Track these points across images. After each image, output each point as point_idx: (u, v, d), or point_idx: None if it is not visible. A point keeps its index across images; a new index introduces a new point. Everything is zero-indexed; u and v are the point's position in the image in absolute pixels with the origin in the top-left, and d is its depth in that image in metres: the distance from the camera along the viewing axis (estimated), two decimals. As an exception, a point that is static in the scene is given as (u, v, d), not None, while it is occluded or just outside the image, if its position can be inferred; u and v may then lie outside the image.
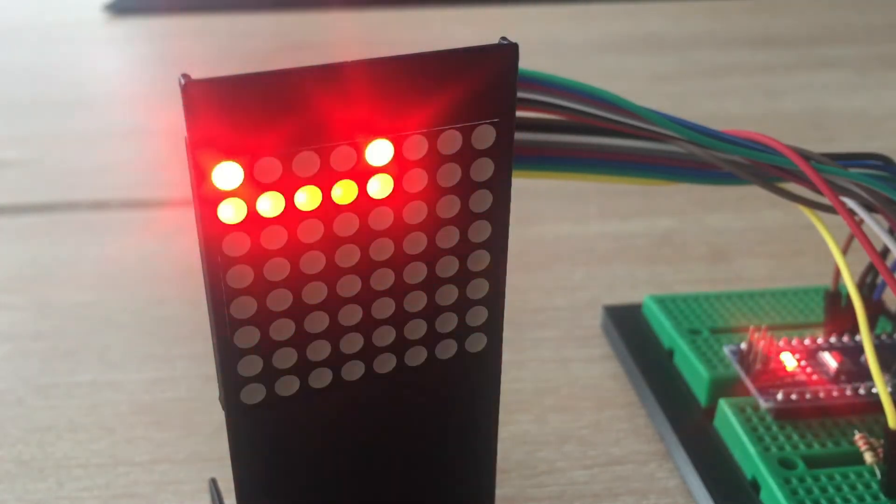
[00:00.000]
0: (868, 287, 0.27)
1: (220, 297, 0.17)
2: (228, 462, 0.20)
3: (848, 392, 0.26)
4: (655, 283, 0.36)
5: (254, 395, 0.19)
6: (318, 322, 0.18)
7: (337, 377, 0.19)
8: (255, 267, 0.17)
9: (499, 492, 0.24)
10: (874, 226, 0.23)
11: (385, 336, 0.19)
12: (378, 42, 0.61)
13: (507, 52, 0.17)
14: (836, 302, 0.29)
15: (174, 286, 0.35)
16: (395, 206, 0.18)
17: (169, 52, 0.63)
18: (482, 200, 0.18)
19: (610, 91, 0.20)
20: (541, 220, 0.40)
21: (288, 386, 0.19)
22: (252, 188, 0.16)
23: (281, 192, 0.17)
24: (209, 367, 0.19)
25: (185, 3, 0.68)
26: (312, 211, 0.17)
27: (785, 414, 0.26)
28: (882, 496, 0.24)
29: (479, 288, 0.19)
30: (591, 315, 0.33)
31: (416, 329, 0.19)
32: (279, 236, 0.17)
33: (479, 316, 0.20)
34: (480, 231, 0.19)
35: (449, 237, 0.19)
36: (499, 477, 0.23)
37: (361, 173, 0.17)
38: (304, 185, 0.17)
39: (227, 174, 0.16)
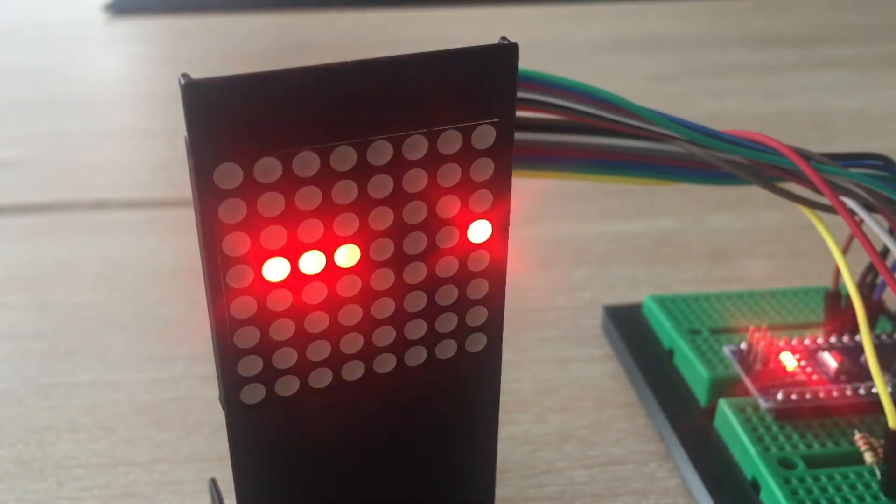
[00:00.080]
0: (868, 287, 0.28)
1: (220, 298, 0.17)
2: (228, 462, 0.20)
3: (848, 392, 0.26)
4: (655, 283, 0.36)
5: (254, 395, 0.19)
6: (318, 322, 0.18)
7: (337, 377, 0.19)
8: (255, 267, 0.17)
9: (499, 492, 0.24)
10: (874, 226, 0.23)
11: (385, 336, 0.19)
12: (378, 42, 0.61)
13: (507, 52, 0.17)
14: (836, 302, 0.29)
15: (174, 286, 0.35)
16: (396, 205, 0.18)
17: (169, 52, 0.63)
18: (482, 200, 0.18)
19: (610, 91, 0.20)
20: (541, 220, 0.40)
21: (288, 386, 0.19)
22: (252, 188, 0.16)
23: (281, 193, 0.17)
24: (209, 367, 0.19)
25: (185, 3, 0.68)
26: (312, 211, 0.17)
27: (785, 414, 0.26)
28: (882, 496, 0.24)
29: (479, 288, 0.19)
30: (591, 315, 0.33)
31: (416, 329, 0.19)
32: (279, 236, 0.17)
33: (479, 316, 0.20)
34: (480, 232, 0.19)
35: (449, 237, 0.19)
36: (499, 477, 0.23)
37: (362, 173, 0.17)
38: (304, 186, 0.17)
39: (227, 174, 0.16)
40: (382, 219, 0.18)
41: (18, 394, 0.30)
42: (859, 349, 0.28)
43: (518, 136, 0.19)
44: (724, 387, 0.28)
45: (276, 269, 0.17)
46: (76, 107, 0.53)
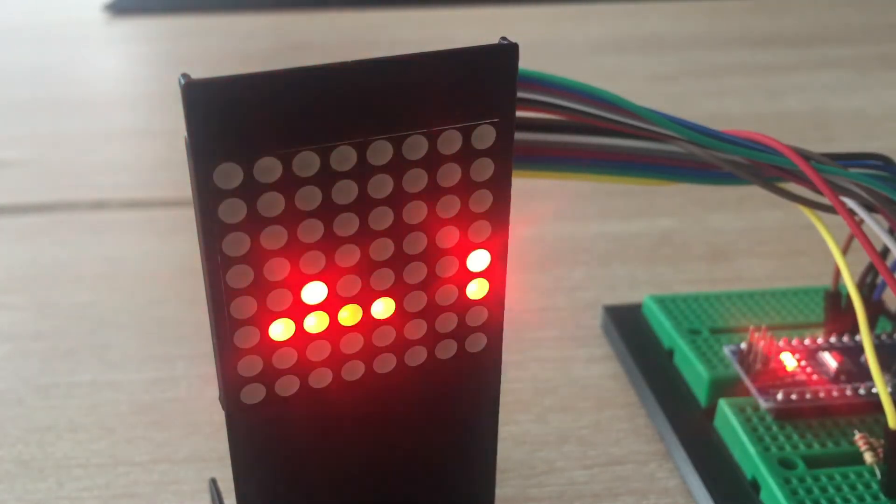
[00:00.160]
0: (868, 287, 0.27)
1: (220, 297, 0.17)
2: (228, 462, 0.20)
3: (848, 392, 0.26)
4: (655, 283, 0.36)
5: (254, 395, 0.19)
6: (318, 322, 0.18)
7: (337, 377, 0.19)
8: (255, 267, 0.17)
9: (499, 492, 0.24)
10: (874, 226, 0.23)
11: (385, 336, 0.19)
12: (378, 42, 0.61)
13: (507, 52, 0.17)
14: (836, 302, 0.29)
15: (174, 286, 0.35)
16: (395, 206, 0.18)
17: (169, 52, 0.63)
18: (482, 200, 0.18)
19: (610, 91, 0.20)
20: (541, 220, 0.40)
21: (288, 386, 0.19)
22: (252, 188, 0.16)
23: (281, 193, 0.17)
24: (209, 367, 0.19)
25: (185, 3, 0.68)
26: (312, 211, 0.17)
27: (785, 414, 0.26)
28: (882, 496, 0.24)
29: (479, 288, 0.19)
30: (591, 315, 0.33)
31: (416, 329, 0.19)
32: (279, 236, 0.17)
33: (479, 316, 0.20)
34: (480, 231, 0.19)
35: (449, 237, 0.19)
36: (499, 477, 0.23)
37: (362, 173, 0.17)
38: (304, 186, 0.17)
39: (227, 174, 0.16)
40: (382, 219, 0.18)
41: (18, 394, 0.30)
42: (859, 349, 0.28)
43: (518, 136, 0.19)
44: (724, 387, 0.28)
45: (276, 269, 0.17)
46: (76, 107, 0.53)
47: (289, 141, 0.16)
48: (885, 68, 0.58)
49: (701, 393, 0.28)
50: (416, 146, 0.17)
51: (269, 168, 0.16)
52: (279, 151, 0.16)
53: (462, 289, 0.19)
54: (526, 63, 0.18)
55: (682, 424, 0.27)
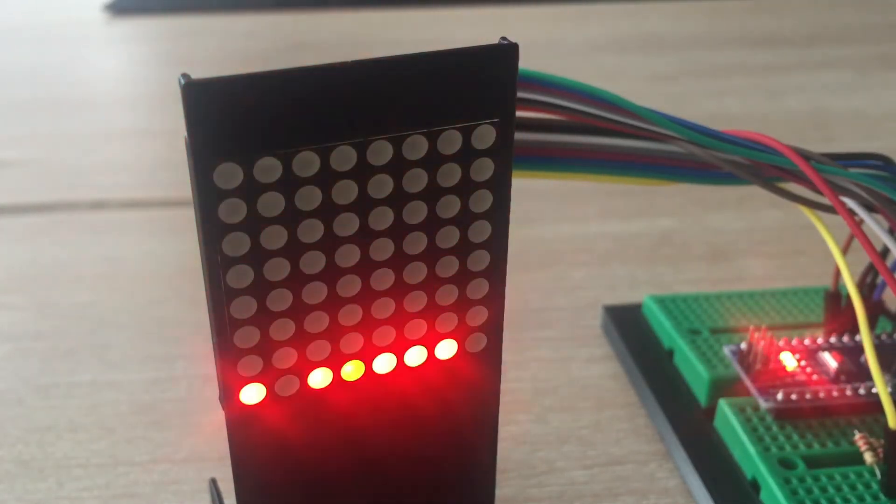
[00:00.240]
0: (868, 287, 0.27)
1: (220, 297, 0.17)
2: (228, 462, 0.20)
3: (848, 392, 0.26)
4: (655, 283, 0.36)
5: (254, 395, 0.19)
6: (318, 322, 0.18)
7: (337, 377, 0.19)
8: (255, 267, 0.17)
9: (499, 492, 0.24)
10: (874, 226, 0.23)
11: (385, 336, 0.19)
12: (378, 42, 0.61)
13: (507, 52, 0.17)
14: (836, 302, 0.29)
15: (174, 286, 0.35)
16: (395, 205, 0.18)
17: (169, 52, 0.63)
18: (482, 200, 0.18)
19: (610, 91, 0.20)
20: (541, 220, 0.40)
21: (288, 386, 0.19)
22: (252, 188, 0.16)
23: (281, 193, 0.17)
24: (209, 367, 0.19)
25: (185, 3, 0.68)
26: (312, 211, 0.17)
27: (785, 414, 0.26)
28: (882, 496, 0.24)
29: (479, 288, 0.19)
30: (591, 315, 0.33)
31: (416, 329, 0.19)
32: (279, 236, 0.17)
33: (479, 315, 0.20)
34: (480, 231, 0.19)
35: (449, 237, 0.19)
36: (499, 477, 0.23)
37: (362, 173, 0.17)
38: (304, 186, 0.17)
39: (227, 174, 0.16)
40: (382, 219, 0.18)
41: (18, 394, 0.30)
42: (859, 349, 0.28)
43: (518, 136, 0.19)
44: (724, 387, 0.28)
45: (276, 269, 0.17)
46: (76, 107, 0.53)
47: (289, 141, 0.16)
48: (885, 68, 0.58)
49: (701, 393, 0.28)
50: (416, 146, 0.17)
51: (269, 168, 0.16)
52: (279, 151, 0.16)
53: (462, 288, 0.19)
54: (526, 63, 0.18)
55: (682, 424, 0.27)
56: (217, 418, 0.23)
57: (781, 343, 0.28)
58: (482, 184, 0.18)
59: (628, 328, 0.32)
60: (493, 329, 0.20)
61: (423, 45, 0.17)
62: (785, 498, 0.24)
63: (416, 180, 0.18)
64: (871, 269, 0.27)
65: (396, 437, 0.21)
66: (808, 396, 0.26)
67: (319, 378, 0.19)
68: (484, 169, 0.18)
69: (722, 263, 0.37)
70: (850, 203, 0.23)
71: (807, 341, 0.28)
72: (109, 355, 0.32)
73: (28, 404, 0.29)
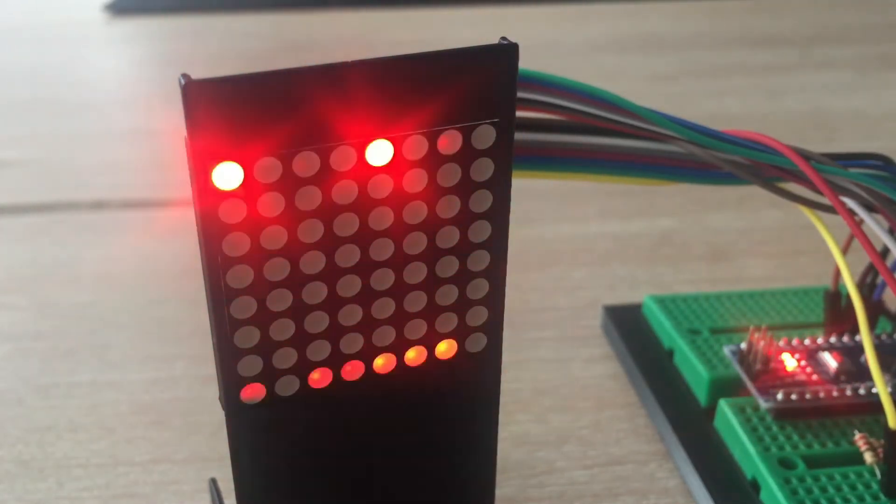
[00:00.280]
0: (868, 287, 0.27)
1: (220, 297, 0.17)
2: (228, 462, 0.20)
3: (848, 392, 0.26)
4: (655, 283, 0.36)
5: (254, 395, 0.19)
6: (318, 322, 0.18)
7: (337, 377, 0.19)
8: (255, 267, 0.17)
9: (499, 492, 0.24)
10: (874, 226, 0.23)
11: (385, 336, 0.19)
12: (378, 42, 0.61)
13: (507, 52, 0.17)
14: (836, 302, 0.29)
15: (174, 286, 0.35)
16: (395, 206, 0.18)
17: (169, 52, 0.63)
18: (482, 200, 0.18)
19: (610, 91, 0.20)
20: (541, 220, 0.40)
21: (288, 386, 0.19)
22: (252, 188, 0.16)
23: (281, 192, 0.17)
24: (209, 367, 0.19)
25: (185, 3, 0.68)
26: (312, 211, 0.17)
27: (785, 414, 0.26)
28: (882, 496, 0.24)
29: (479, 288, 0.19)
30: (591, 315, 0.33)
31: (416, 329, 0.19)
32: (279, 236, 0.17)
33: (479, 316, 0.20)
34: (480, 231, 0.19)
35: (449, 237, 0.19)
36: (499, 477, 0.23)
37: (361, 173, 0.17)
38: (304, 185, 0.17)
39: (227, 174, 0.16)
40: (382, 219, 0.18)
41: (18, 394, 0.30)
42: (859, 349, 0.28)
43: (518, 136, 0.19)
44: (724, 387, 0.28)
45: (276, 269, 0.17)
46: (76, 107, 0.53)
47: (289, 141, 0.16)
48: (885, 68, 0.58)
49: (701, 393, 0.28)
50: (417, 146, 0.17)
51: (269, 168, 0.16)
52: (279, 151, 0.16)
53: (462, 288, 0.19)
54: (526, 63, 0.18)
55: (682, 424, 0.27)
56: (217, 418, 0.23)
57: (781, 343, 0.28)
58: (482, 184, 0.18)
59: (628, 328, 0.32)
60: (493, 329, 0.20)
61: (423, 45, 0.17)
62: (785, 498, 0.24)
63: (416, 180, 0.18)
64: (871, 269, 0.27)
65: (396, 437, 0.21)
66: (808, 396, 0.26)
67: (319, 378, 0.19)
68: (484, 169, 0.18)
69: (722, 263, 0.37)
70: (850, 203, 0.23)
71: (807, 341, 0.28)
72: (109, 355, 0.32)
73: (28, 404, 0.29)
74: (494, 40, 0.17)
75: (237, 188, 0.16)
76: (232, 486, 0.20)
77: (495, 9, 0.68)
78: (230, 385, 0.18)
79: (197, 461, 0.27)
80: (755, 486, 0.25)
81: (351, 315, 0.19)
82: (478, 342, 0.20)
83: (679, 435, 0.27)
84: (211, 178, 0.16)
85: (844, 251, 0.25)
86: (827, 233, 0.24)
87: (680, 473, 0.27)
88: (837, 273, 0.29)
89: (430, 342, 0.20)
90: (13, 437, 0.28)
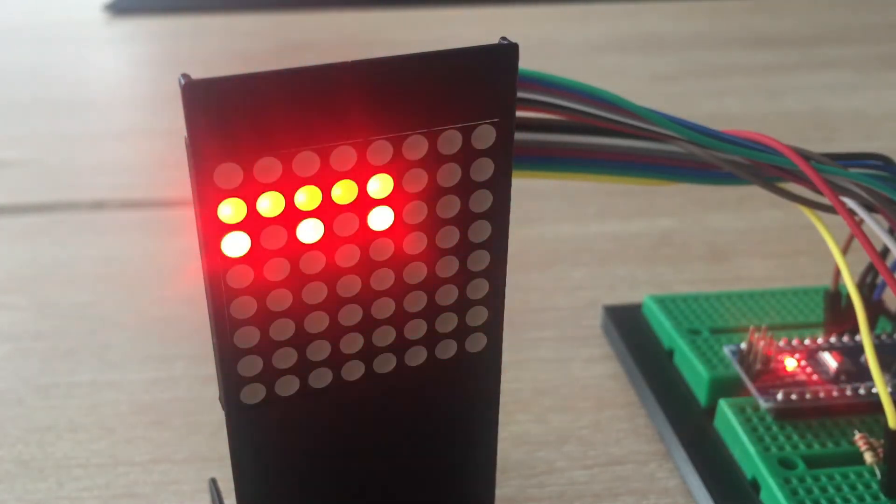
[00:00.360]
0: (868, 287, 0.27)
1: (220, 297, 0.17)
2: (228, 462, 0.20)
3: (848, 392, 0.26)
4: (655, 283, 0.36)
5: (254, 395, 0.19)
6: (318, 322, 0.18)
7: (337, 377, 0.19)
8: (254, 267, 0.17)
9: (499, 492, 0.24)
10: (874, 226, 0.23)
11: (385, 336, 0.19)
12: (378, 42, 0.61)
13: (507, 52, 0.17)
14: (836, 302, 0.29)
15: (174, 286, 0.35)
16: (395, 206, 0.18)
17: (169, 52, 0.63)
18: (482, 200, 0.18)
19: (610, 91, 0.20)
20: (541, 220, 0.40)
21: (288, 386, 0.19)
22: (252, 188, 0.16)
23: (281, 192, 0.17)
24: (209, 367, 0.19)
25: (185, 3, 0.68)
26: (312, 211, 0.17)
27: (785, 414, 0.26)
28: (882, 496, 0.24)
29: (479, 288, 0.19)
30: (591, 315, 0.33)
31: (416, 329, 0.19)
32: (279, 236, 0.17)
33: (479, 316, 0.20)
34: (480, 231, 0.19)
35: (449, 237, 0.19)
36: (499, 477, 0.23)
37: (361, 173, 0.17)
38: (304, 185, 0.17)
39: (227, 174, 0.16)
40: (382, 219, 0.18)
41: (18, 394, 0.30)
42: (859, 349, 0.28)
43: (518, 136, 0.19)
44: (724, 387, 0.28)
45: (276, 269, 0.17)
46: (76, 107, 0.53)
47: (289, 141, 0.16)
48: (885, 68, 0.58)
49: (701, 393, 0.28)
50: (416, 146, 0.17)
51: (269, 168, 0.16)
52: (279, 151, 0.16)
53: (462, 289, 0.19)
54: (526, 63, 0.18)
55: (682, 424, 0.27)
56: (217, 418, 0.23)
57: (781, 343, 0.28)
58: (482, 184, 0.18)
59: (628, 328, 0.32)
60: (493, 329, 0.20)
61: (423, 45, 0.17)
62: (785, 498, 0.24)
63: (416, 180, 0.18)
64: (871, 269, 0.27)
65: (396, 437, 0.21)
66: (808, 396, 0.26)
67: (319, 378, 0.19)
68: (484, 169, 0.18)
69: (722, 263, 0.37)
70: (850, 203, 0.23)
71: (807, 341, 0.28)
72: (109, 355, 0.32)
73: (28, 404, 0.29)
74: (494, 40, 0.17)
75: (237, 188, 0.16)
76: (232, 486, 0.20)
77: (495, 9, 0.68)
78: (230, 385, 0.18)
79: (197, 461, 0.27)
80: (755, 486, 0.25)
81: (351, 315, 0.19)
82: (478, 342, 0.20)
83: (679, 435, 0.27)
84: (211, 178, 0.16)
85: (844, 251, 0.25)
86: (827, 233, 0.24)
87: (680, 473, 0.27)
88: (837, 273, 0.29)
89: (430, 342, 0.20)
90: (13, 437, 0.28)
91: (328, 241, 0.18)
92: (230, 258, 0.17)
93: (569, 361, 0.31)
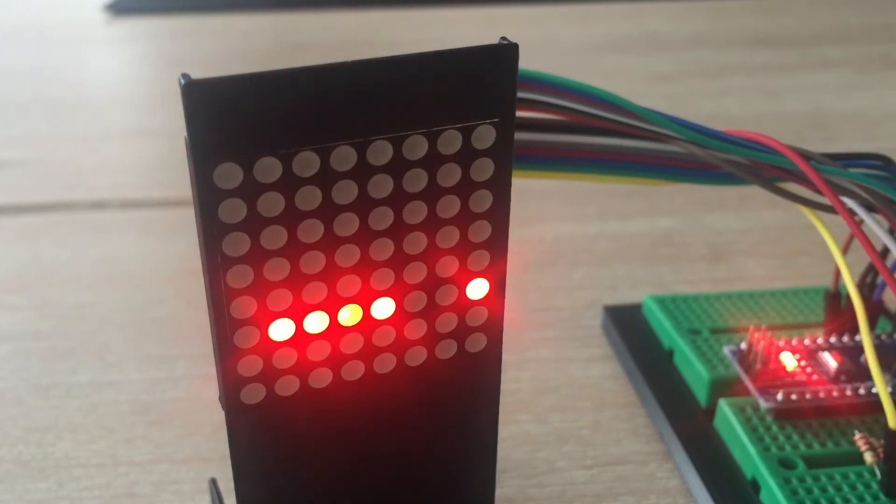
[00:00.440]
0: (868, 287, 0.28)
1: (220, 297, 0.17)
2: (228, 462, 0.20)
3: (848, 392, 0.26)
4: (655, 283, 0.36)
5: (254, 395, 0.19)
6: (318, 322, 0.18)
7: (337, 377, 0.19)
8: (255, 267, 0.17)
9: (499, 492, 0.24)
10: (874, 226, 0.23)
11: (385, 336, 0.19)
12: (378, 42, 0.61)
13: (507, 52, 0.17)
14: (836, 302, 0.29)
15: (174, 286, 0.35)
16: (395, 206, 0.18)
17: (169, 52, 0.63)
18: (482, 200, 0.18)
19: (610, 91, 0.21)
20: (541, 220, 0.40)
21: (288, 386, 0.19)
22: (252, 188, 0.16)
23: (280, 193, 0.17)
24: (209, 367, 0.19)
25: (185, 3, 0.68)
26: (312, 211, 0.17)
27: (785, 414, 0.26)
28: (882, 496, 0.24)
29: (479, 288, 0.19)
30: (591, 315, 0.33)
31: (416, 329, 0.19)
32: (279, 236, 0.17)
33: (479, 316, 0.20)
34: (480, 231, 0.19)
35: (449, 237, 0.19)
36: (499, 477, 0.23)
37: (362, 173, 0.17)
38: (303, 186, 0.17)
39: (227, 174, 0.16)
40: (382, 219, 0.18)
41: (18, 394, 0.30)
42: (859, 349, 0.28)
43: (518, 136, 0.19)
44: (724, 387, 0.28)
45: (276, 269, 0.17)
46: (76, 107, 0.53)
47: (289, 141, 0.16)
48: (885, 68, 0.58)
49: (701, 393, 0.28)
50: (416, 146, 0.17)
51: (269, 168, 0.16)
52: (279, 151, 0.16)
53: (462, 289, 0.19)
54: (526, 63, 0.18)
55: (682, 424, 0.27)
56: (217, 418, 0.23)
57: (781, 343, 0.28)
58: (482, 184, 0.18)
59: (628, 328, 0.32)
60: (493, 329, 0.20)
61: (423, 45, 0.17)
62: (785, 498, 0.24)
63: (416, 180, 0.18)
64: (871, 269, 0.27)
65: (396, 437, 0.21)
66: (808, 396, 0.26)
67: (319, 378, 0.19)
68: (484, 169, 0.18)
69: (722, 263, 0.37)
70: (850, 203, 0.23)
71: (807, 341, 0.28)
72: (109, 355, 0.32)
73: (28, 404, 0.29)
74: (494, 40, 0.17)
75: (237, 188, 0.16)
76: (232, 486, 0.20)
77: (495, 9, 0.68)
78: (230, 385, 0.18)
79: (197, 461, 0.27)
80: (755, 486, 0.25)
81: (351, 315, 0.19)
82: (478, 342, 0.20)
83: (679, 435, 0.27)
84: (211, 178, 0.16)
85: (844, 251, 0.25)
86: (827, 233, 0.24)
87: (680, 473, 0.27)
88: (837, 273, 0.29)
89: (430, 342, 0.20)
90: (13, 437, 0.28)
91: (328, 241, 0.18)
92: (230, 258, 0.17)
93: (569, 361, 0.31)
